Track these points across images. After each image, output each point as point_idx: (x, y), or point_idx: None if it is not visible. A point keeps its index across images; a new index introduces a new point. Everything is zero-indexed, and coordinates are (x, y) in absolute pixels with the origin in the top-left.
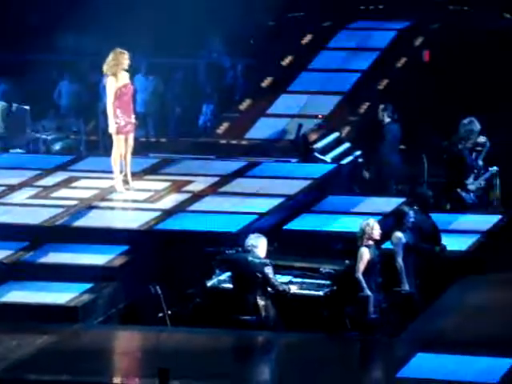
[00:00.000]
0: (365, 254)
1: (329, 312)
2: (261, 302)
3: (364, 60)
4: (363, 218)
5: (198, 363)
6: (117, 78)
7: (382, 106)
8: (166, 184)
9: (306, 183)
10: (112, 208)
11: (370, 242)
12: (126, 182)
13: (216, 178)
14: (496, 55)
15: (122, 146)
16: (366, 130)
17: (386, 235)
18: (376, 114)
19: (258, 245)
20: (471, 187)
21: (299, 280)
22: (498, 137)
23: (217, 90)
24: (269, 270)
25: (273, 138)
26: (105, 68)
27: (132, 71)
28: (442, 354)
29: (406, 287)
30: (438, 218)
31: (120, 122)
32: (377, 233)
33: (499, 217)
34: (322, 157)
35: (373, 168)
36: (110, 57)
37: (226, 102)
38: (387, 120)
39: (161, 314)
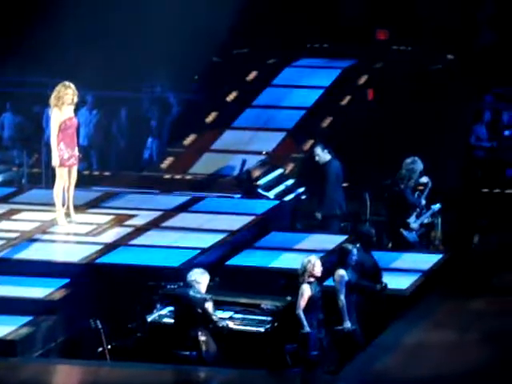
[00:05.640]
0: (306, 291)
1: (269, 348)
2: (201, 338)
3: (308, 97)
4: (306, 254)
5: None
6: (61, 110)
7: (317, 147)
8: (109, 218)
9: (248, 219)
10: (53, 241)
11: (312, 279)
12: (68, 215)
13: (159, 213)
14: (438, 95)
15: (64, 179)
16: (309, 167)
17: (329, 272)
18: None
19: (201, 280)
20: (413, 226)
21: (240, 316)
22: (441, 176)
23: (162, 124)
24: (209, 306)
25: (217, 173)
26: (50, 100)
27: (77, 104)
28: None
29: (348, 325)
30: (379, 256)
31: (63, 155)
32: (318, 270)
33: (440, 256)
34: (265, 193)
35: (320, 207)
36: (56, 90)
37: (171, 137)
38: (328, 157)
39: (101, 349)
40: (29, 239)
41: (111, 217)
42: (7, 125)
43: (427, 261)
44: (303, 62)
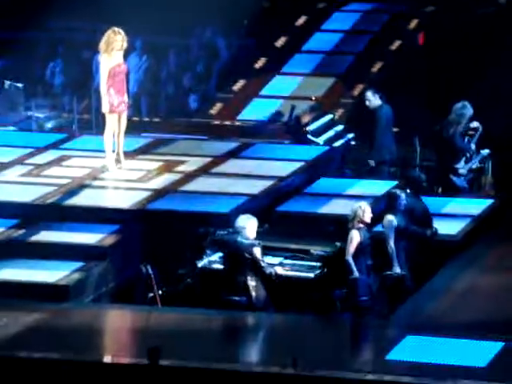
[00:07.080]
0: (355, 237)
1: (319, 294)
2: (251, 283)
3: (358, 42)
4: (355, 200)
5: (188, 343)
6: (111, 56)
7: (368, 91)
8: (158, 164)
9: (298, 165)
10: (103, 187)
11: (361, 225)
12: (118, 161)
13: (208, 159)
14: (490, 39)
15: (114, 125)
16: (359, 112)
17: (378, 218)
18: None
19: (247, 226)
20: (462, 171)
21: (290, 262)
22: (491, 120)
23: (210, 69)
24: (257, 252)
25: (266, 119)
26: (100, 46)
27: (126, 50)
28: (431, 337)
29: (397, 270)
30: (429, 201)
31: (113, 101)
32: (368, 216)
33: (491, 201)
34: (314, 139)
35: (370, 152)
36: (105, 35)
37: (220, 82)
38: (379, 102)
39: (151, 294)
40: (79, 185)
41: (161, 163)
42: (57, 71)
43: (478, 206)
44: (352, 7)
